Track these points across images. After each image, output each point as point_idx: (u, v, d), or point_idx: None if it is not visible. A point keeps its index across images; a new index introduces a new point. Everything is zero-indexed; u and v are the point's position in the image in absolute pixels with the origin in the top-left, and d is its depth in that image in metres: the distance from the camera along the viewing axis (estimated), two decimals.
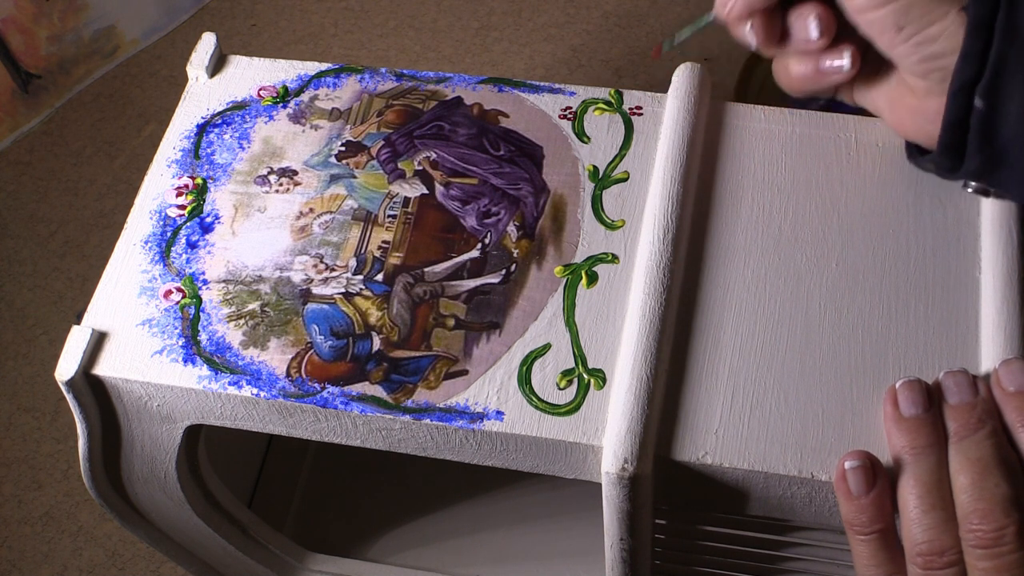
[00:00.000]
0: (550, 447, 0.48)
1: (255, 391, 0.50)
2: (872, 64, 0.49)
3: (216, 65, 0.61)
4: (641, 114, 0.57)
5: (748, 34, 0.48)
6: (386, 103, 0.59)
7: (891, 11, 0.44)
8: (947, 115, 0.45)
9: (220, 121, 0.59)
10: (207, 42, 0.61)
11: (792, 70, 0.49)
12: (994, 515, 0.41)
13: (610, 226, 0.53)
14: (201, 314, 0.52)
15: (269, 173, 0.57)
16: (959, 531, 0.42)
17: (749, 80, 0.91)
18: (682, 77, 0.56)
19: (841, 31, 0.47)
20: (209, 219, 0.55)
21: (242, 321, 0.52)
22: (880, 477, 0.44)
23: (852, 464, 0.44)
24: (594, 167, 0.55)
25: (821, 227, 0.52)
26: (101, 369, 0.51)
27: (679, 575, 0.55)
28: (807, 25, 0.47)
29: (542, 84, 0.58)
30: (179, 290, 0.53)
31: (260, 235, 0.54)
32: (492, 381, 0.49)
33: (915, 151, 0.51)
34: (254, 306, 0.52)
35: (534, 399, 0.48)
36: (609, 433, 0.46)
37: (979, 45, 0.43)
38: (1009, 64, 0.43)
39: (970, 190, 0.51)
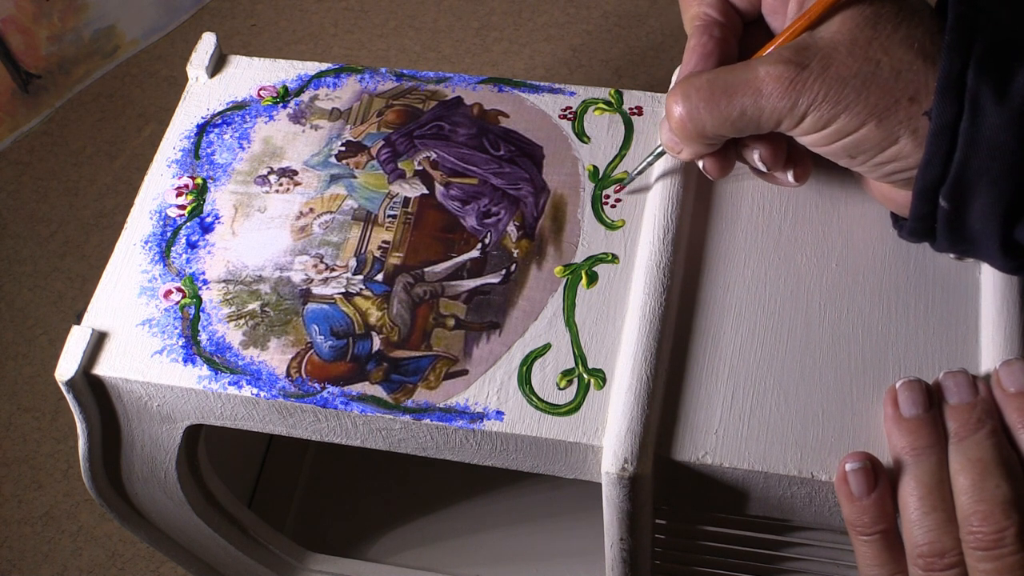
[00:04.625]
0: (550, 447, 0.48)
1: (255, 391, 0.50)
2: None
3: (216, 65, 0.61)
4: (641, 114, 0.57)
5: (702, 169, 0.49)
6: (386, 103, 0.59)
7: (841, 147, 0.44)
8: (913, 210, 0.45)
9: (220, 121, 0.59)
10: (207, 42, 0.61)
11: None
12: (994, 517, 0.41)
13: (610, 226, 0.53)
14: (201, 314, 0.52)
15: (269, 173, 0.57)
16: (959, 533, 0.42)
17: None
18: None
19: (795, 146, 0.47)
20: (209, 219, 0.55)
21: (242, 321, 0.52)
22: (881, 478, 0.44)
23: (853, 466, 0.44)
24: (594, 167, 0.55)
25: (821, 227, 0.52)
26: (101, 369, 0.51)
27: (679, 575, 0.55)
28: (753, 160, 0.48)
29: (542, 84, 0.58)
30: (179, 290, 0.53)
31: (260, 235, 0.54)
32: (492, 381, 0.49)
33: (895, 217, 0.50)
34: (254, 306, 0.52)
35: (534, 399, 0.48)
36: (609, 433, 0.46)
37: (942, 151, 0.42)
38: (972, 168, 0.42)
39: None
